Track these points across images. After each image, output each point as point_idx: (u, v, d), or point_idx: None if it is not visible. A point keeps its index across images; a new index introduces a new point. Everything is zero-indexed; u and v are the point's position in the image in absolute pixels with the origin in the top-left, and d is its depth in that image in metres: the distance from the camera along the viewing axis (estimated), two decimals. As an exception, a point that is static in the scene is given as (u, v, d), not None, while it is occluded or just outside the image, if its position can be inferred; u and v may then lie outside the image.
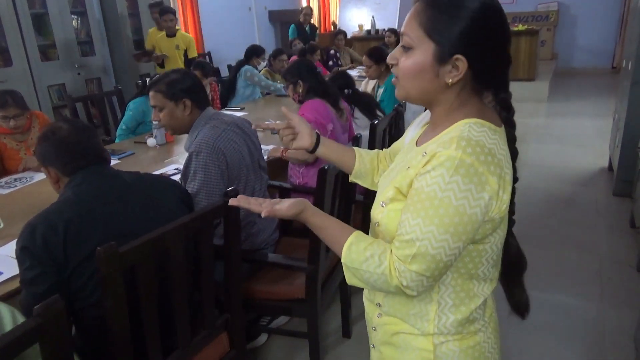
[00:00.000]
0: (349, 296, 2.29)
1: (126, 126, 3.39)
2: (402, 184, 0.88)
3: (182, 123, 1.95)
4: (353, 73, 4.99)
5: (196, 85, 1.95)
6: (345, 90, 3.08)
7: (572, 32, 9.18)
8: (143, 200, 1.44)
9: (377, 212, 0.94)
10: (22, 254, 1.27)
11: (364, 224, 2.42)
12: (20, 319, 1.11)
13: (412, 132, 1.08)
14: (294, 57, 4.94)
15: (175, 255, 1.33)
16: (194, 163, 1.84)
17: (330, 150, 1.18)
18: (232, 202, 1.01)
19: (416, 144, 0.98)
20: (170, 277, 1.35)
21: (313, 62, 4.25)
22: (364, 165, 1.19)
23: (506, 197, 0.83)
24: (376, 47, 4.01)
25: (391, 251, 0.86)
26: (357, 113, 3.09)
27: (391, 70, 0.94)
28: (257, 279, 1.97)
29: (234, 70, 4.78)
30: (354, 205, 2.19)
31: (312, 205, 0.99)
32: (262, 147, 2.96)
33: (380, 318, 1.01)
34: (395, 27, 7.86)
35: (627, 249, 2.92)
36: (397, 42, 5.82)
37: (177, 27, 5.13)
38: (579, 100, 6.97)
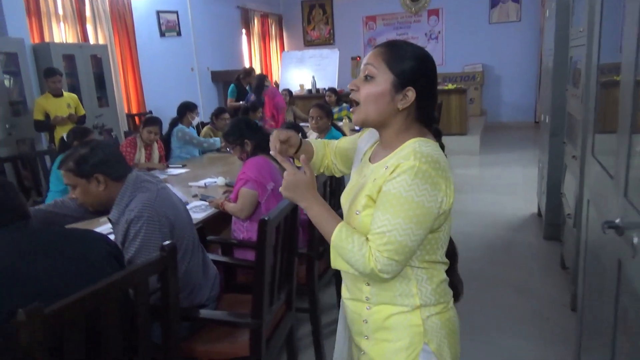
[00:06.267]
0: (297, 353, 2.23)
1: (54, 189, 3.28)
2: (373, 192, 1.11)
3: (99, 199, 1.80)
4: (295, 129, 5.09)
5: (109, 157, 1.79)
6: None
7: (497, 90, 9.96)
8: (70, 256, 1.37)
9: (353, 219, 1.16)
10: None
11: (308, 277, 2.40)
12: None
13: (363, 144, 1.32)
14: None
15: (108, 315, 1.26)
16: (132, 230, 1.72)
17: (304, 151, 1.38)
18: (273, 152, 1.24)
19: (370, 160, 1.23)
20: (103, 339, 1.27)
21: (254, 120, 4.33)
22: (317, 157, 1.41)
23: (451, 193, 1.08)
24: (324, 102, 4.10)
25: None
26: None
27: (350, 96, 1.17)
28: (198, 338, 1.89)
29: (168, 130, 4.75)
30: (297, 258, 2.17)
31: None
32: (193, 203, 2.93)
33: (370, 309, 1.19)
34: (335, 86, 8.19)
35: (560, 290, 3.06)
36: (337, 100, 6.04)
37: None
38: (507, 152, 7.46)
